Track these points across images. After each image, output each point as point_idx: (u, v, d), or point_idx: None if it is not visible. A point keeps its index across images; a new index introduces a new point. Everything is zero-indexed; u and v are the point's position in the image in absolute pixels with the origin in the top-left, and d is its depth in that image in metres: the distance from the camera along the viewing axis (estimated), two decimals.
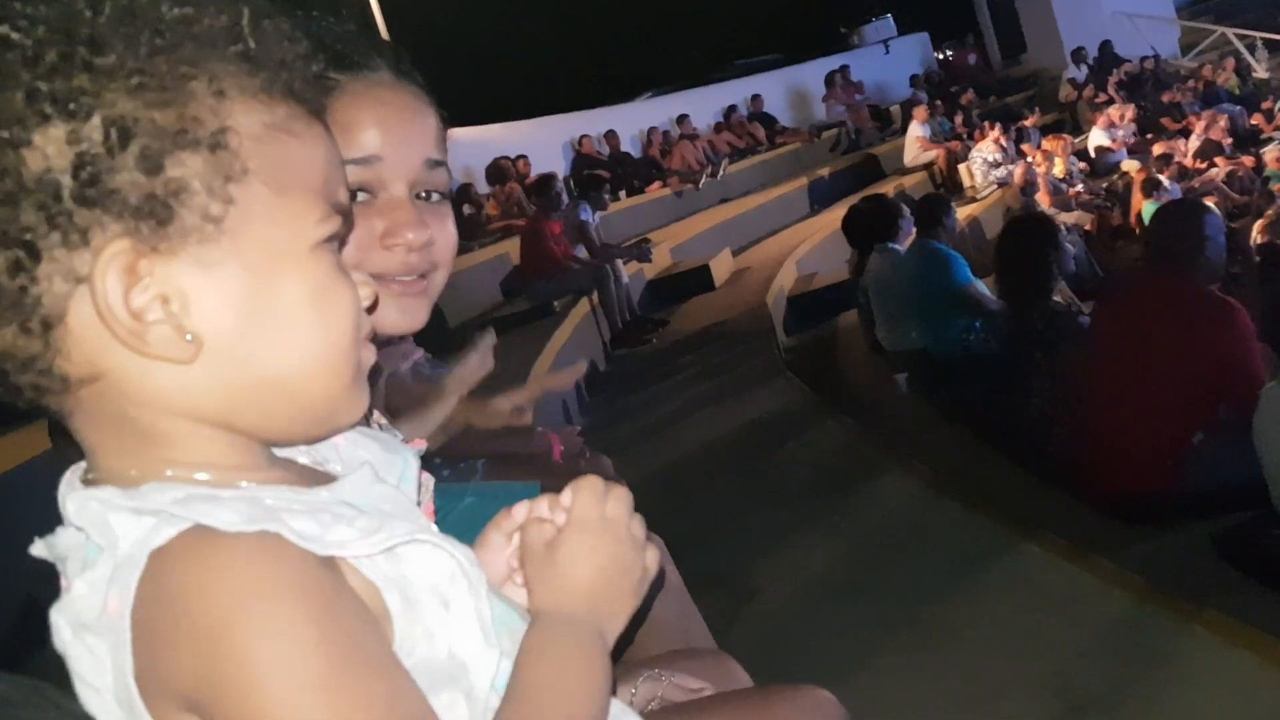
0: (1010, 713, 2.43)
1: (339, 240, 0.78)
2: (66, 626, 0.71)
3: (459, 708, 0.75)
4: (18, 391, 0.71)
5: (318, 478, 0.80)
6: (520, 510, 0.90)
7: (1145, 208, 8.49)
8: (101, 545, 0.69)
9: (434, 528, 0.79)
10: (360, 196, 1.09)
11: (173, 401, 0.71)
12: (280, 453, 0.80)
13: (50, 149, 0.66)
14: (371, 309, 0.80)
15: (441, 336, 6.82)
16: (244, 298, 0.71)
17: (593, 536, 0.85)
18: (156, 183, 0.67)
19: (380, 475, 0.82)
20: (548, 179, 9.09)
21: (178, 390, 0.71)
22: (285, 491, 0.73)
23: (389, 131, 1.10)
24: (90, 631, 0.69)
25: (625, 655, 1.82)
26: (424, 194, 1.14)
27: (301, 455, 0.84)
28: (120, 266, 0.67)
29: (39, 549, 0.75)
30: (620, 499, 0.87)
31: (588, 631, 0.82)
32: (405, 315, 1.12)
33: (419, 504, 0.92)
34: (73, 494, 0.71)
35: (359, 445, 0.87)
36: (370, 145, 1.09)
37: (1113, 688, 2.44)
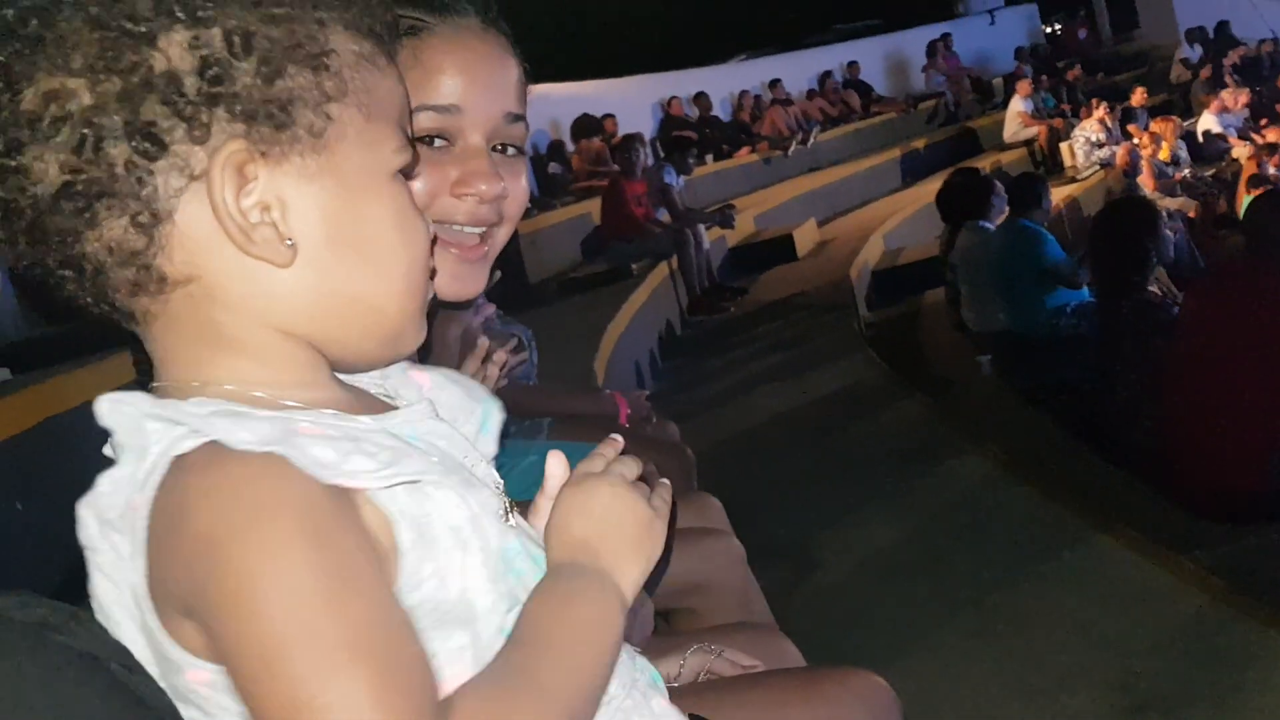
0: (1072, 707, 2.38)
1: (408, 175, 0.82)
2: (94, 521, 0.74)
3: (466, 652, 0.75)
4: (108, 292, 0.73)
5: (376, 407, 0.82)
6: (556, 472, 0.90)
7: (1247, 202, 8.17)
8: (126, 445, 0.72)
9: (466, 470, 0.81)
10: (437, 143, 1.09)
11: (260, 307, 0.74)
12: (353, 380, 0.84)
13: (174, 51, 0.70)
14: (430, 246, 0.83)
15: (521, 292, 6.88)
16: (336, 212, 0.75)
17: (588, 488, 0.86)
18: (273, 90, 0.71)
19: (442, 414, 0.84)
20: (630, 139, 9.06)
21: (267, 296, 0.74)
22: (326, 416, 0.75)
23: (472, 81, 1.10)
24: (114, 529, 0.72)
25: (684, 624, 1.83)
26: (500, 146, 1.13)
27: (374, 386, 0.86)
28: (237, 164, 0.71)
29: (109, 449, 0.78)
30: (629, 462, 0.89)
31: (590, 577, 0.82)
32: (457, 281, 1.12)
33: (494, 454, 0.92)
34: (105, 397, 0.74)
35: (443, 389, 0.89)
36: (452, 94, 1.09)
37: (1182, 688, 2.37)
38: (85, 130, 0.69)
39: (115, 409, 0.73)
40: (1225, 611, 2.61)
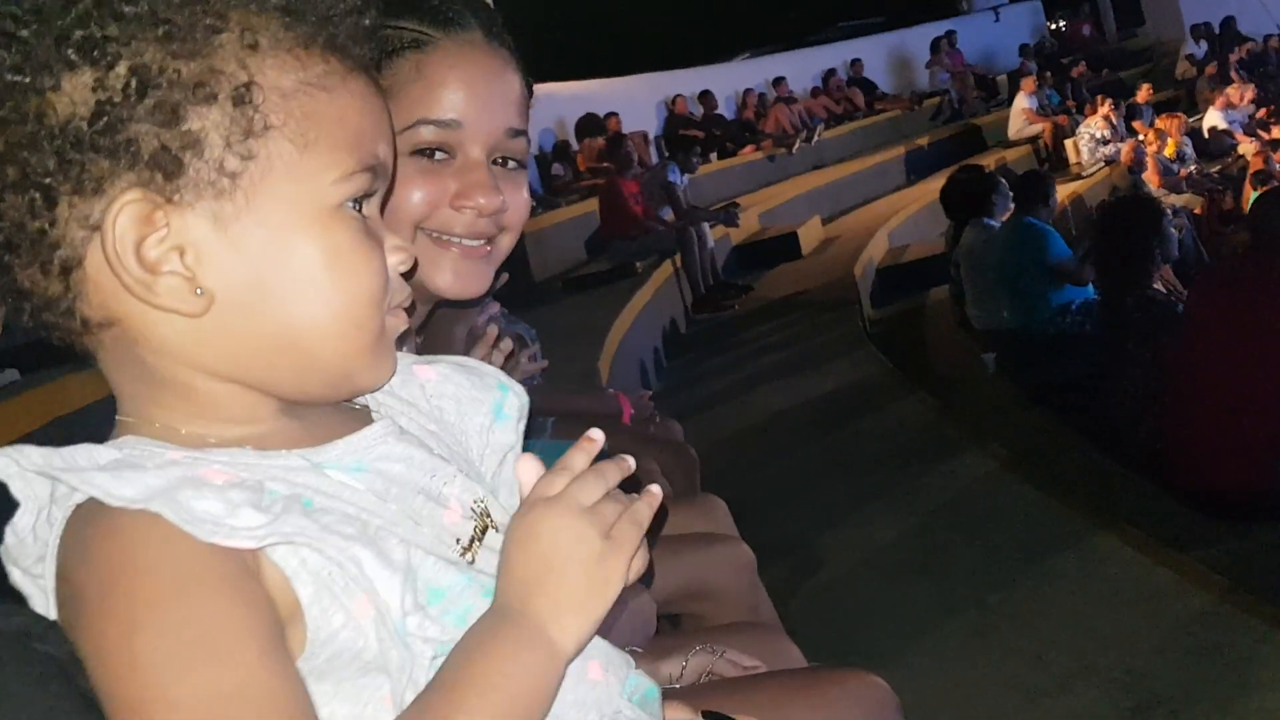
0: (1074, 706, 2.38)
1: (374, 196, 0.78)
2: (15, 570, 0.74)
3: (391, 700, 0.74)
4: (46, 328, 0.73)
5: (337, 430, 0.79)
6: (529, 479, 0.81)
7: (1253, 198, 8.15)
8: (22, 495, 0.71)
9: (426, 495, 0.78)
10: (438, 155, 1.10)
11: (181, 352, 0.72)
12: None
13: (76, 95, 0.68)
14: (409, 275, 0.80)
15: (525, 290, 6.89)
16: (258, 254, 0.71)
17: (534, 519, 0.76)
18: (171, 135, 0.68)
19: (448, 410, 0.83)
20: (618, 139, 9.08)
21: (186, 342, 0.72)
22: (246, 456, 0.73)
23: (474, 96, 1.10)
24: (33, 574, 0.73)
25: (693, 623, 1.83)
26: (501, 160, 1.14)
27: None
28: (133, 216, 0.69)
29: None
30: (592, 480, 0.78)
31: (517, 627, 0.74)
32: (459, 279, 1.13)
33: (512, 443, 0.90)
34: (1, 451, 0.72)
35: (450, 380, 0.87)
36: (453, 109, 1.09)
37: (1185, 688, 2.37)
38: None
39: (7, 465, 0.71)
40: (1229, 610, 2.61)
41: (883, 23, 18.61)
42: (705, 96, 13.62)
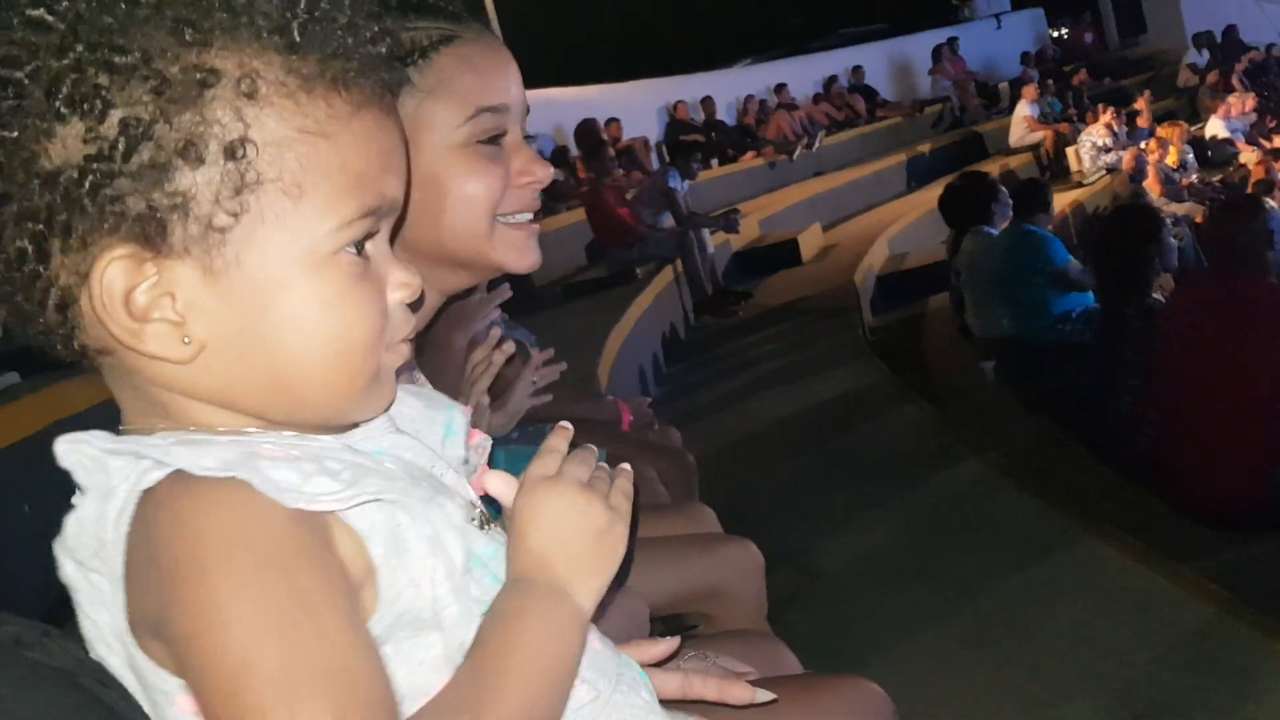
0: (1071, 715, 2.38)
1: (378, 235, 0.77)
2: (69, 562, 0.74)
3: (442, 659, 0.76)
4: (48, 343, 0.74)
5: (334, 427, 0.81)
6: (504, 491, 0.88)
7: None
8: (88, 485, 0.72)
9: (435, 479, 0.81)
10: (498, 140, 1.14)
11: (175, 386, 0.73)
12: None
13: (69, 145, 0.67)
14: (415, 306, 0.80)
15: (525, 296, 6.89)
16: (248, 304, 0.71)
17: (539, 497, 0.84)
18: (158, 195, 0.67)
19: (404, 427, 0.84)
20: (598, 146, 9.07)
21: (179, 378, 0.73)
22: (287, 437, 0.75)
23: (511, 78, 1.16)
24: (89, 568, 0.72)
25: (702, 624, 1.83)
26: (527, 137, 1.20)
27: None
28: (121, 269, 0.69)
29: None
30: (581, 460, 0.87)
31: (543, 592, 0.80)
32: (526, 256, 1.17)
33: (470, 463, 0.92)
34: (64, 438, 0.73)
35: (402, 403, 0.87)
36: (503, 93, 1.13)
37: (1181, 699, 2.37)
38: None
39: (75, 449, 0.72)
40: (1226, 621, 2.61)
41: (884, 29, 18.64)
42: (706, 102, 13.65)
